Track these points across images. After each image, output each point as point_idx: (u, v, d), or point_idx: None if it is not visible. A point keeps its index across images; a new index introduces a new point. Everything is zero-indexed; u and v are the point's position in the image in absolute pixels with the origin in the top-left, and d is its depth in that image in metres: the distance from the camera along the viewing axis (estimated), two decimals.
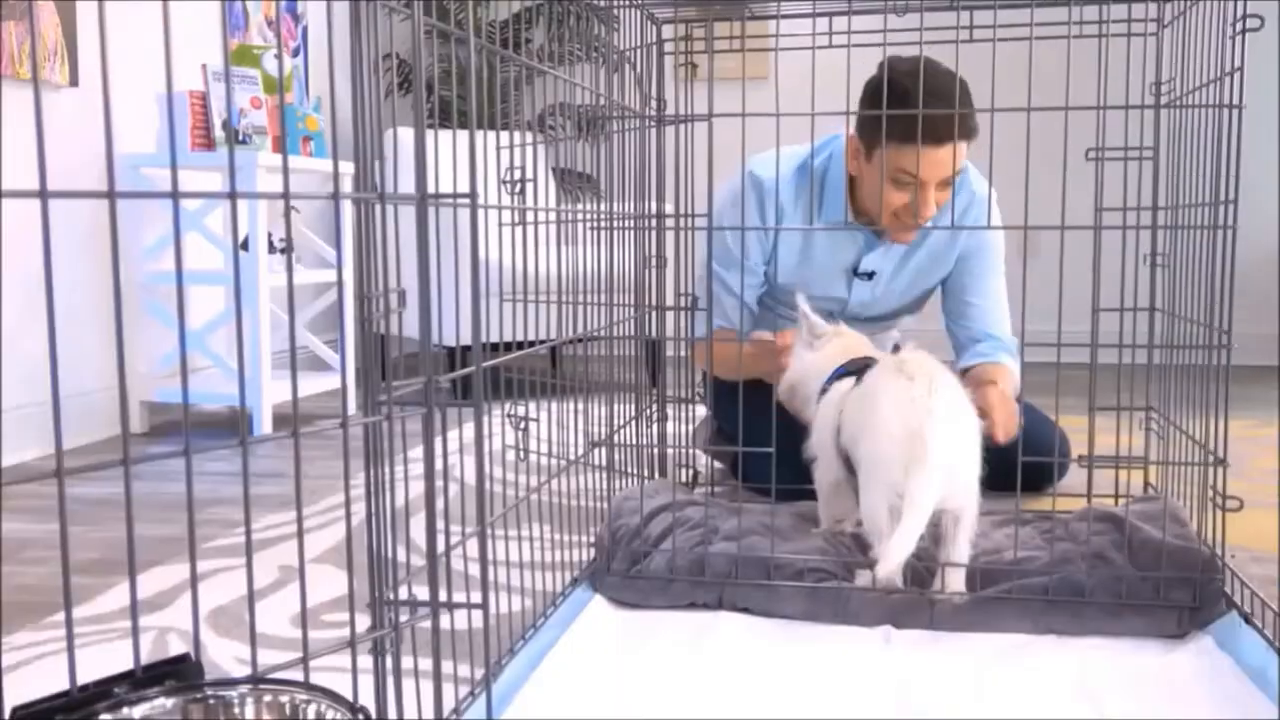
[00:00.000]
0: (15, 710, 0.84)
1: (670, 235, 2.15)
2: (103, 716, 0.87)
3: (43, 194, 0.80)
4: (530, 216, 1.81)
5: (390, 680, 1.08)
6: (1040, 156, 1.71)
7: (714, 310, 2.23)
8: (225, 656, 1.61)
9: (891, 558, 1.56)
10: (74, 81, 3.12)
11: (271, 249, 3.60)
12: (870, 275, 2.41)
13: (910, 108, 1.87)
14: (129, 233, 3.38)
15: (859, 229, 2.34)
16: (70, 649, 0.86)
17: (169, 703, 0.90)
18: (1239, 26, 1.57)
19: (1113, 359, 1.81)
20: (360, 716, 0.92)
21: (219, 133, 3.37)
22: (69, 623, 0.86)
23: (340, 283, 0.94)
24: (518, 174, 1.72)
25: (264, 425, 3.32)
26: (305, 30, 4.42)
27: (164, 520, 2.37)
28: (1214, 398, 1.65)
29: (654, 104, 2.20)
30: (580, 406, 2.03)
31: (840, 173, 2.33)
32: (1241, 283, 1.65)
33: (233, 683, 0.95)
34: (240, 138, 3.37)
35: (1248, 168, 1.79)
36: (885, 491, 1.65)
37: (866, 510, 1.70)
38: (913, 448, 1.62)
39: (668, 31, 2.23)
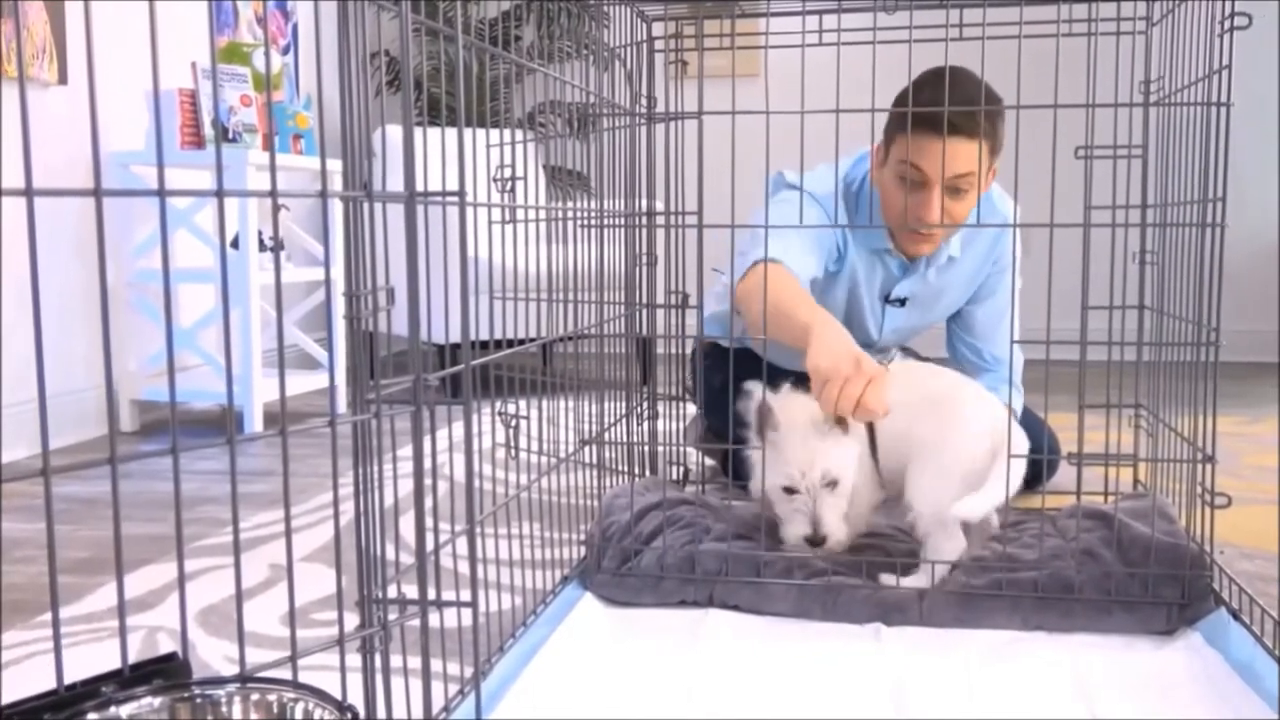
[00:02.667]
0: (3, 709, 0.84)
1: (661, 233, 2.15)
2: (90, 716, 0.87)
3: (29, 192, 0.79)
4: (520, 215, 1.81)
5: (379, 679, 1.08)
6: (1030, 155, 1.71)
7: (767, 240, 1.98)
8: (215, 656, 1.61)
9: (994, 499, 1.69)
10: (63, 79, 3.11)
11: (262, 247, 3.59)
12: (903, 302, 2.36)
13: (926, 100, 1.86)
14: (119, 231, 3.37)
15: (891, 256, 2.28)
16: (57, 648, 0.86)
17: (156, 701, 0.90)
18: (1227, 25, 1.58)
19: (1102, 356, 1.81)
20: (348, 715, 0.92)
21: (209, 130, 3.36)
22: (55, 622, 0.86)
23: (328, 281, 0.94)
24: (507, 172, 1.72)
25: (255, 423, 3.32)
26: (295, 27, 4.41)
27: (154, 519, 2.36)
28: (1203, 395, 1.66)
29: (644, 101, 2.20)
30: (571, 404, 2.04)
31: (877, 196, 2.28)
32: (1233, 280, 1.65)
33: (220, 681, 0.95)
34: (231, 135, 3.37)
35: (1241, 166, 1.80)
36: (961, 485, 1.71)
37: (936, 504, 1.74)
38: (996, 439, 1.74)
39: (658, 29, 2.23)
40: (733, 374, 1.89)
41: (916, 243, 2.18)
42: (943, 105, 1.80)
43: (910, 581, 1.73)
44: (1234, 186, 1.70)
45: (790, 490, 1.78)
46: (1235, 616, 1.60)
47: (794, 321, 1.86)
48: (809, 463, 1.76)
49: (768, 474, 1.81)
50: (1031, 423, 2.28)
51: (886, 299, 2.34)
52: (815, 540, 1.77)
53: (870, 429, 1.84)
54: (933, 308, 2.38)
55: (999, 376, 2.35)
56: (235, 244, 3.32)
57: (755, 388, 1.83)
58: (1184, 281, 1.75)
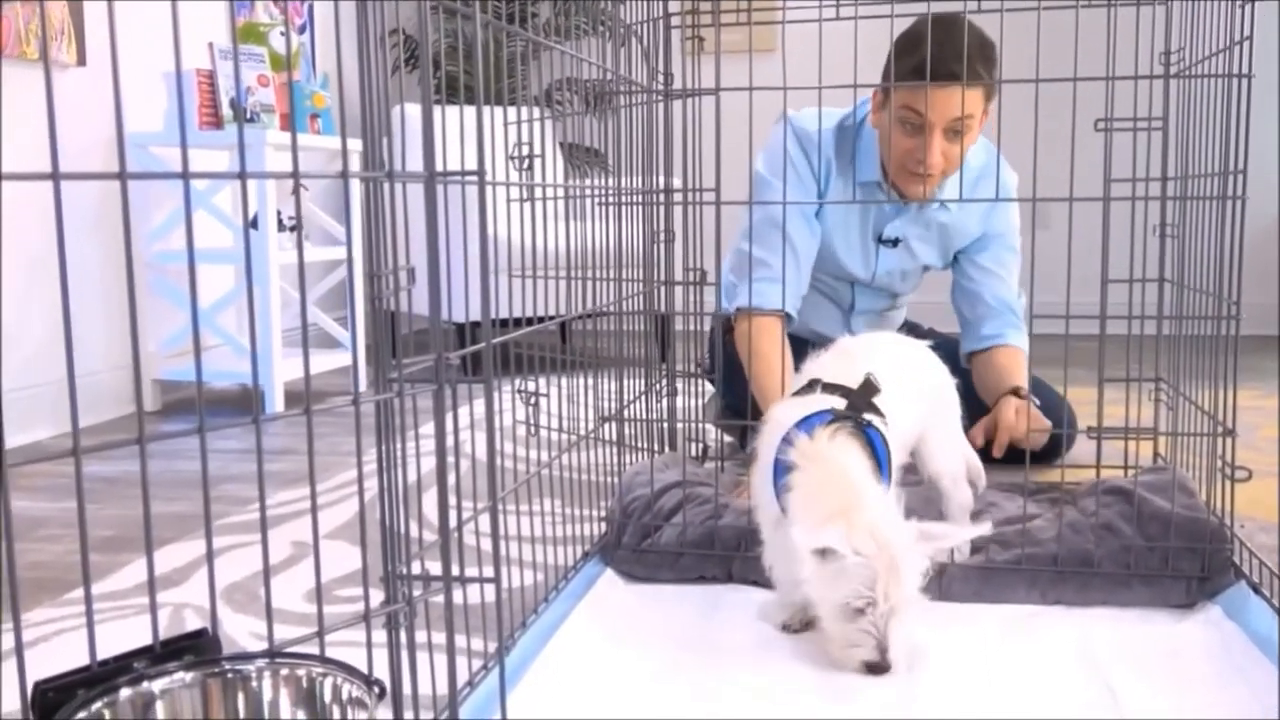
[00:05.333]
0: (38, 684, 0.85)
1: (679, 210, 2.15)
2: (123, 691, 0.88)
3: (55, 176, 0.80)
4: (539, 193, 1.81)
5: (404, 654, 1.09)
6: (1049, 127, 1.70)
7: (753, 277, 2.18)
8: (241, 632, 1.62)
9: None
10: (82, 61, 3.12)
11: (281, 227, 3.60)
12: (895, 242, 2.38)
13: (924, 49, 1.86)
14: (137, 213, 3.38)
15: (883, 194, 2.31)
16: (90, 625, 0.87)
17: (188, 676, 0.91)
18: None
19: (1122, 330, 1.81)
20: (375, 689, 0.93)
21: (226, 111, 3.36)
22: (88, 599, 0.88)
23: (350, 260, 0.94)
24: (525, 150, 1.72)
25: (275, 403, 3.34)
26: (311, 7, 4.41)
27: (176, 498, 2.38)
28: (1223, 368, 1.66)
29: (661, 78, 2.20)
30: (590, 382, 2.04)
31: (874, 133, 2.31)
32: (1249, 252, 1.64)
33: (250, 657, 0.96)
34: (248, 116, 3.37)
35: (1257, 138, 1.79)
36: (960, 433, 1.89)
37: (954, 461, 1.83)
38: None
39: (674, 4, 2.23)
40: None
41: (914, 184, 2.20)
42: (941, 54, 1.81)
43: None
44: (1255, 159, 1.69)
45: (860, 611, 1.42)
46: (1255, 590, 1.60)
47: (762, 399, 2.03)
48: (897, 582, 1.40)
49: (830, 588, 1.43)
50: (1050, 397, 2.28)
51: (879, 239, 2.36)
52: (883, 668, 1.42)
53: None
54: (924, 252, 2.40)
55: (1004, 320, 2.36)
56: (255, 224, 3.33)
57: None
58: (1204, 255, 1.74)
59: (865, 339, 1.90)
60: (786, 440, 1.54)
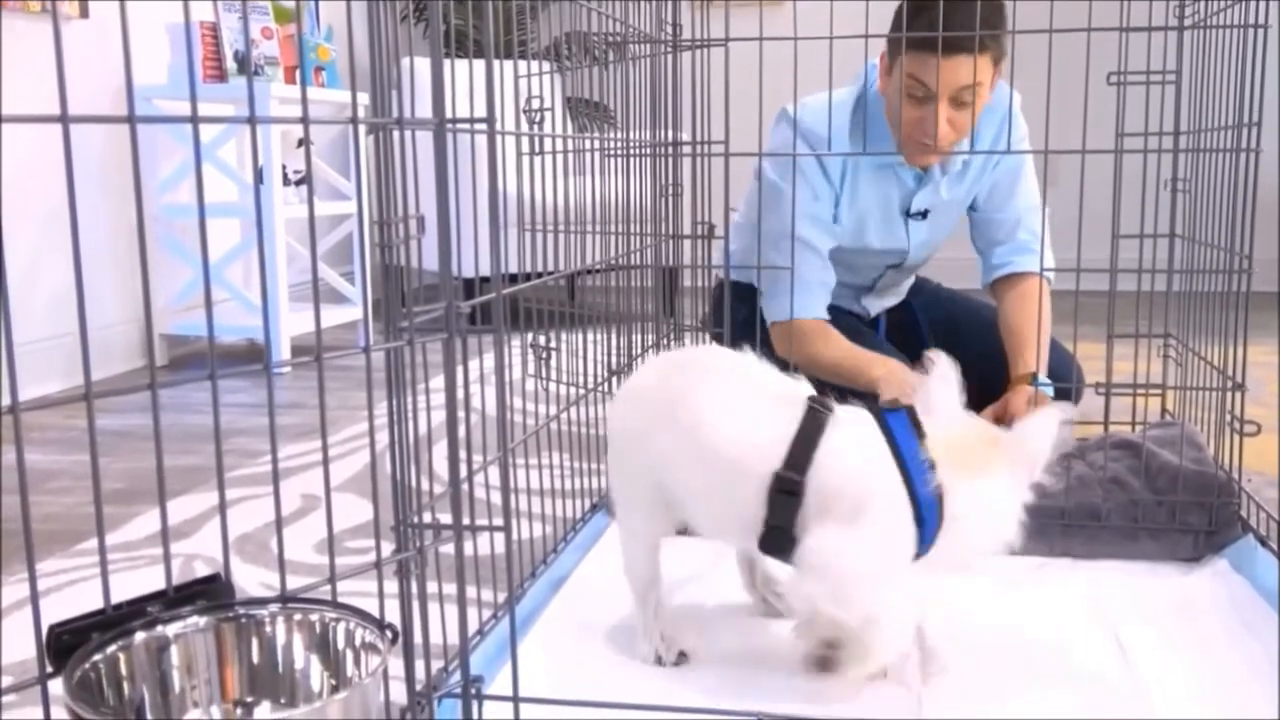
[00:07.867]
0: (53, 627, 0.86)
1: (686, 163, 2.13)
2: (138, 634, 0.89)
3: (64, 119, 0.80)
4: (547, 145, 1.80)
5: (415, 603, 1.10)
6: (1062, 80, 1.69)
7: (792, 288, 2.11)
8: (251, 582, 1.63)
9: None
10: (85, 14, 3.10)
11: (286, 181, 3.59)
12: (924, 214, 2.34)
13: (929, 15, 1.84)
14: (143, 166, 3.36)
15: (904, 168, 2.27)
16: (104, 568, 0.88)
17: (201, 621, 0.92)
18: None
19: (1132, 285, 1.80)
20: (388, 634, 0.94)
21: (230, 64, 3.34)
22: (101, 545, 0.88)
23: (360, 210, 0.94)
24: (536, 104, 1.71)
25: (283, 356, 3.34)
26: None
27: (185, 451, 2.39)
28: (1233, 323, 1.65)
29: (669, 29, 2.17)
30: (597, 336, 2.04)
31: (882, 108, 2.26)
32: (1260, 208, 1.64)
33: (263, 602, 0.97)
34: (253, 69, 3.35)
35: (1271, 90, 1.77)
36: None
37: None
38: None
39: None
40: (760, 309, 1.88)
41: (923, 155, 2.17)
42: (945, 22, 1.78)
43: None
44: (1270, 112, 1.68)
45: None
46: (1263, 543, 1.61)
47: (862, 379, 2.06)
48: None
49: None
50: (1058, 354, 2.27)
51: (908, 214, 2.33)
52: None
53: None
54: (952, 217, 2.37)
55: (1016, 245, 2.33)
56: (260, 178, 3.32)
57: None
58: (1217, 209, 1.73)
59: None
60: None
